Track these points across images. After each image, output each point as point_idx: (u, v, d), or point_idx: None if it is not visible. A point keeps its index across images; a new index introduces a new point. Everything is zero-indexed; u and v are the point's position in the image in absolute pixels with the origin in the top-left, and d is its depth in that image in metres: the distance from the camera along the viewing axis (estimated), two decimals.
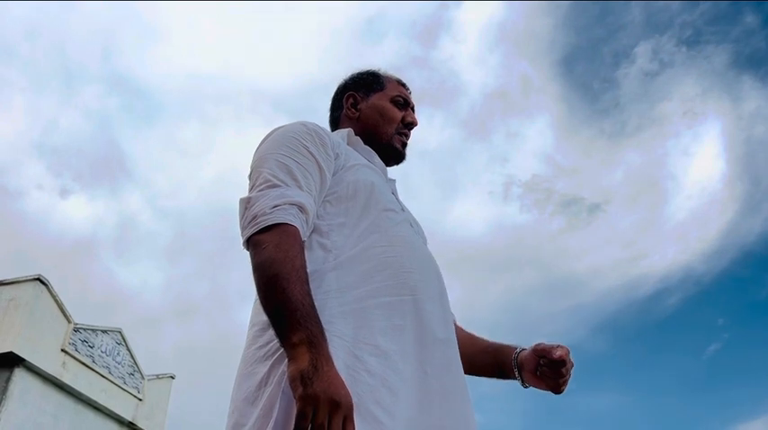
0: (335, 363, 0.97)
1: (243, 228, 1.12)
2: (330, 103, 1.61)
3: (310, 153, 1.23)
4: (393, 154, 1.50)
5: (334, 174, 1.27)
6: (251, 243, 1.09)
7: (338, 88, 1.60)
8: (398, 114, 1.51)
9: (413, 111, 1.57)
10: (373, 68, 1.60)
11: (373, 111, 1.51)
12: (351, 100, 1.54)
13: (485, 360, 1.43)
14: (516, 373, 1.37)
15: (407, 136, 1.54)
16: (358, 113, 1.51)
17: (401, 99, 1.54)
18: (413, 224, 1.36)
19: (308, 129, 1.28)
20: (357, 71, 1.60)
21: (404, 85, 1.59)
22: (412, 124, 1.54)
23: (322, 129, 1.32)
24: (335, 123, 1.57)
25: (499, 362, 1.41)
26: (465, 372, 1.26)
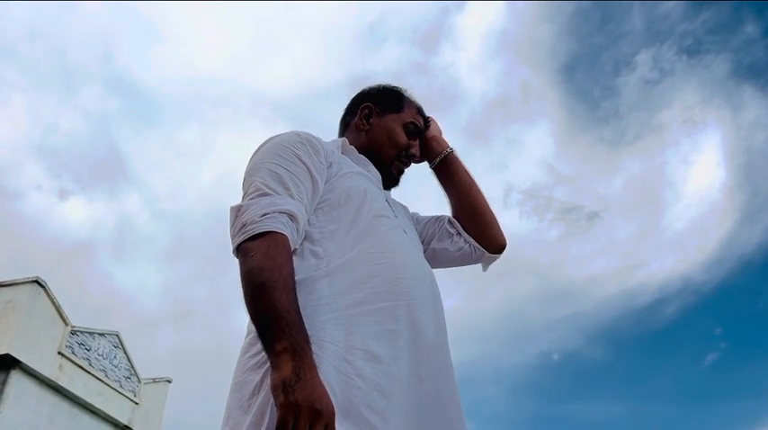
0: (326, 369, 0.97)
1: (233, 236, 1.13)
2: (347, 104, 1.60)
3: (302, 162, 1.23)
4: (388, 177, 1.50)
5: (326, 182, 1.27)
6: (240, 251, 1.09)
7: (360, 93, 1.59)
8: (405, 142, 1.51)
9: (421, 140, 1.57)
10: (400, 88, 1.58)
11: (382, 131, 1.50)
12: (366, 111, 1.53)
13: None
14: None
15: (407, 165, 1.53)
16: (368, 127, 1.51)
17: (413, 127, 1.52)
18: (407, 230, 1.36)
19: (301, 139, 1.28)
20: (384, 84, 1.59)
21: (422, 114, 1.57)
22: (414, 156, 1.53)
23: (315, 138, 1.32)
24: (345, 127, 1.56)
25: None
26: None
